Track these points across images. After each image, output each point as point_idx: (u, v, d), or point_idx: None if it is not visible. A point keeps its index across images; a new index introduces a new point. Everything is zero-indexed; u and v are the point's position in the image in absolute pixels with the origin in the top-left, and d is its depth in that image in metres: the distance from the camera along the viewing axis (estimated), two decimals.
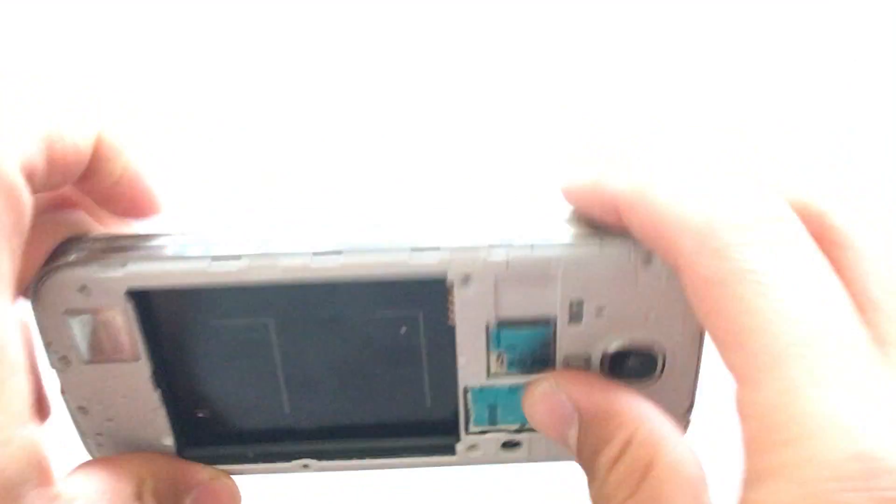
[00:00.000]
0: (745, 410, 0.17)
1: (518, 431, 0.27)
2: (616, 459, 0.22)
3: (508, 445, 0.28)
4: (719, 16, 0.57)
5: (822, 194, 0.20)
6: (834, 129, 0.57)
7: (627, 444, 0.22)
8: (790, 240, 0.18)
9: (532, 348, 0.25)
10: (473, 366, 0.26)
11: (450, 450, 0.28)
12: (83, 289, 0.24)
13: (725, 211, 0.18)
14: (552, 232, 0.24)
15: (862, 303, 0.18)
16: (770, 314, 0.17)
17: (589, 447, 0.23)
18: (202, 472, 0.27)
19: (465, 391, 0.26)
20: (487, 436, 0.27)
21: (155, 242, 0.24)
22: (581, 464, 0.24)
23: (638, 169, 0.21)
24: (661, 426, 0.22)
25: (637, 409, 0.23)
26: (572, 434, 0.24)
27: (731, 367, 0.18)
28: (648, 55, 0.56)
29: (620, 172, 0.22)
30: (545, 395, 0.24)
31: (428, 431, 0.28)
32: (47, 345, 0.25)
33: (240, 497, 0.28)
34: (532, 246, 0.24)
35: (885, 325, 0.18)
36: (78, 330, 0.24)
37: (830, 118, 0.57)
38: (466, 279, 0.24)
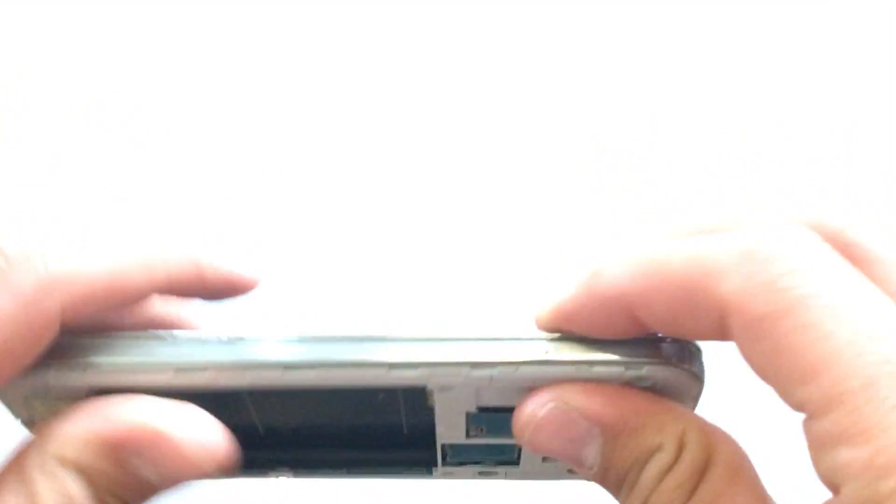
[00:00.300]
0: (836, 439, 0.16)
1: (497, 464, 0.27)
2: (668, 468, 0.20)
3: (486, 473, 0.27)
4: (719, 15, 0.57)
5: (831, 213, 0.20)
6: (833, 131, 0.57)
7: (681, 449, 0.20)
8: (833, 261, 0.18)
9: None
10: (452, 433, 0.25)
11: (427, 472, 0.27)
12: (46, 390, 0.23)
13: (759, 242, 0.18)
14: (539, 346, 0.22)
15: None
16: (850, 336, 0.16)
17: (622, 462, 0.21)
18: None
19: (444, 446, 0.26)
20: (464, 467, 0.27)
21: (120, 343, 0.23)
22: (607, 482, 0.22)
23: (633, 251, 0.20)
24: (707, 423, 0.21)
25: (676, 410, 0.21)
26: (590, 453, 0.21)
27: (806, 401, 0.17)
28: (647, 56, 0.56)
29: (614, 264, 0.20)
30: (551, 418, 0.22)
31: (405, 461, 0.27)
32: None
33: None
34: (517, 365, 0.22)
35: None
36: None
37: (830, 119, 0.57)
38: (446, 388, 0.23)
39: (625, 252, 0.20)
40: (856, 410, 0.16)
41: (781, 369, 0.17)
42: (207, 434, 0.22)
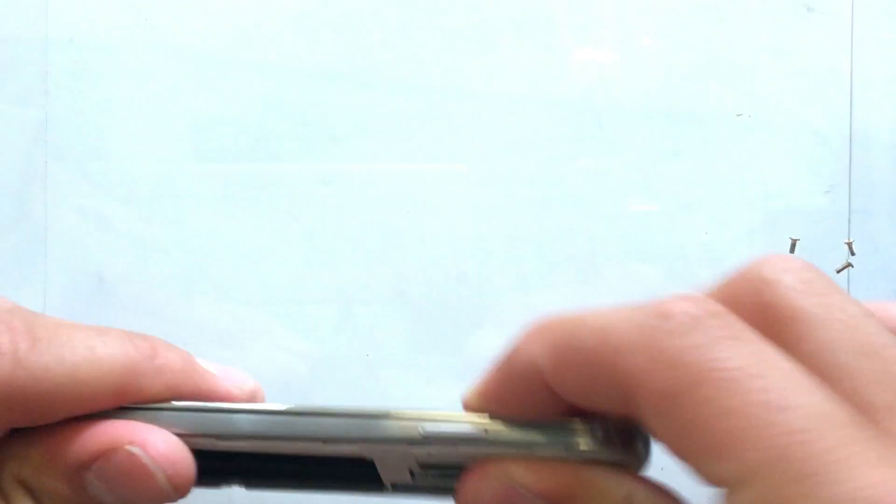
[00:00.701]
0: None
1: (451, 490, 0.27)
2: None
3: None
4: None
5: (747, 275, 0.19)
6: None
7: None
8: (739, 332, 0.17)
9: (461, 466, 0.24)
10: (397, 478, 0.26)
11: (381, 490, 0.28)
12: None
13: (662, 316, 0.17)
14: (479, 423, 0.22)
15: (831, 374, 0.17)
16: (754, 409, 0.16)
17: None
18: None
19: (390, 482, 0.26)
20: (417, 493, 0.27)
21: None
22: None
23: (549, 325, 0.20)
24: (655, 483, 0.21)
25: (620, 475, 0.21)
26: None
27: (717, 476, 0.16)
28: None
29: (529, 339, 0.20)
30: (494, 492, 0.22)
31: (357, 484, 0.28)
32: None
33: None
34: (456, 443, 0.23)
35: (865, 388, 0.17)
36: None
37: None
38: (386, 461, 0.24)
39: (541, 326, 0.20)
40: (770, 485, 0.15)
41: (691, 446, 0.17)
42: (171, 457, 0.22)
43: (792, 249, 0.56)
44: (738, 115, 0.56)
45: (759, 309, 0.18)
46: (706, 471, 0.17)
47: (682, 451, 0.17)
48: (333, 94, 0.53)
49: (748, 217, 0.56)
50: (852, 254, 0.57)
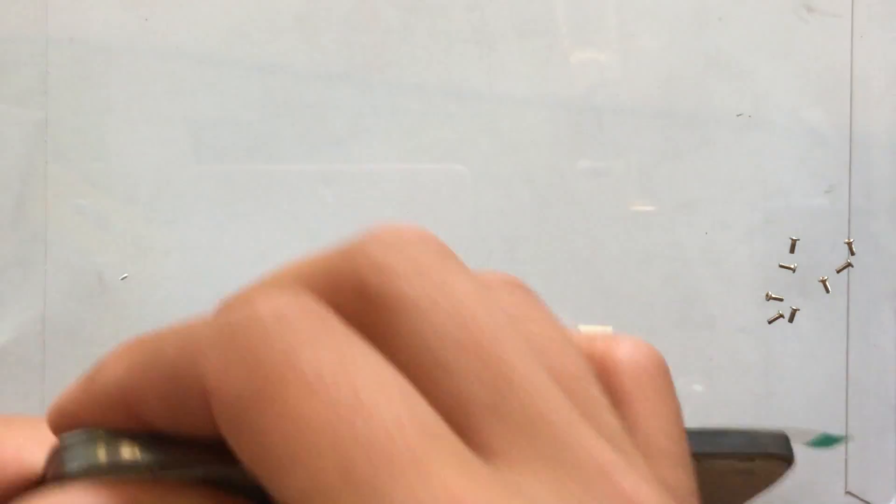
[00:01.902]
0: None
1: None
2: None
3: None
4: None
5: (350, 252, 0.16)
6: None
7: None
8: (324, 327, 0.15)
9: None
10: None
11: None
12: None
13: (241, 316, 0.15)
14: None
15: (429, 371, 0.15)
16: (326, 415, 0.14)
17: None
18: None
19: None
20: None
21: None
22: None
23: (138, 339, 0.17)
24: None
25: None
26: None
27: (285, 495, 0.14)
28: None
29: (115, 355, 0.17)
30: None
31: None
32: None
33: None
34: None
35: (462, 387, 0.15)
36: None
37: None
38: None
39: (128, 343, 0.17)
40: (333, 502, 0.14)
41: (262, 459, 0.14)
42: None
43: (792, 249, 0.56)
44: (738, 115, 0.56)
45: (358, 294, 0.16)
46: (275, 487, 0.14)
47: (255, 466, 0.15)
48: (333, 94, 0.53)
49: (748, 217, 0.56)
50: (852, 254, 0.57)
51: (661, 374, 0.18)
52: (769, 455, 0.21)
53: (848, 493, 0.56)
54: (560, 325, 0.18)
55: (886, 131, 0.57)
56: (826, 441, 0.55)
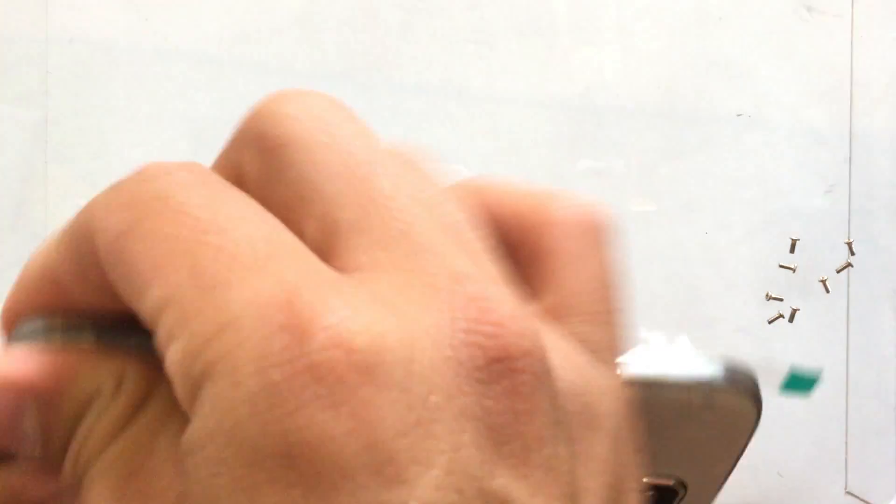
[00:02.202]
0: (168, 339, 0.15)
1: None
2: (106, 408, 0.18)
3: None
4: None
5: (256, 107, 0.17)
6: None
7: (119, 387, 0.19)
8: (203, 177, 0.16)
9: None
10: None
11: None
12: None
13: (131, 175, 0.16)
14: None
15: (304, 197, 0.16)
16: (184, 233, 0.15)
17: (62, 424, 0.18)
18: None
19: None
20: None
21: None
22: (52, 456, 0.17)
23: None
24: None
25: (117, 351, 0.18)
26: (28, 428, 0.18)
27: (146, 308, 0.15)
28: None
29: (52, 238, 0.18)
30: None
31: None
32: None
33: None
34: None
35: (333, 209, 0.16)
36: None
37: None
38: None
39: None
40: (181, 302, 0.15)
41: (130, 280, 0.16)
42: None
43: (792, 249, 0.56)
44: (738, 115, 0.56)
45: (258, 148, 0.17)
46: (140, 306, 0.16)
47: (124, 290, 0.16)
48: (333, 94, 0.53)
49: (748, 217, 0.56)
50: (852, 254, 0.57)
51: (593, 231, 0.19)
52: (731, 388, 0.19)
53: (848, 493, 0.56)
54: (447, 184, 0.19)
55: (886, 131, 0.57)
56: (797, 383, 0.50)
